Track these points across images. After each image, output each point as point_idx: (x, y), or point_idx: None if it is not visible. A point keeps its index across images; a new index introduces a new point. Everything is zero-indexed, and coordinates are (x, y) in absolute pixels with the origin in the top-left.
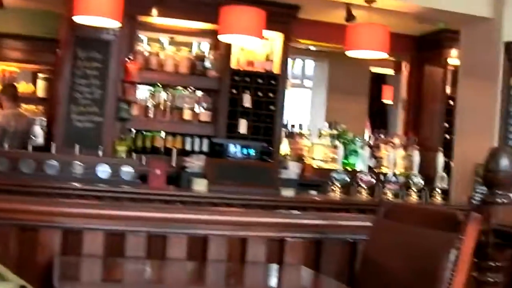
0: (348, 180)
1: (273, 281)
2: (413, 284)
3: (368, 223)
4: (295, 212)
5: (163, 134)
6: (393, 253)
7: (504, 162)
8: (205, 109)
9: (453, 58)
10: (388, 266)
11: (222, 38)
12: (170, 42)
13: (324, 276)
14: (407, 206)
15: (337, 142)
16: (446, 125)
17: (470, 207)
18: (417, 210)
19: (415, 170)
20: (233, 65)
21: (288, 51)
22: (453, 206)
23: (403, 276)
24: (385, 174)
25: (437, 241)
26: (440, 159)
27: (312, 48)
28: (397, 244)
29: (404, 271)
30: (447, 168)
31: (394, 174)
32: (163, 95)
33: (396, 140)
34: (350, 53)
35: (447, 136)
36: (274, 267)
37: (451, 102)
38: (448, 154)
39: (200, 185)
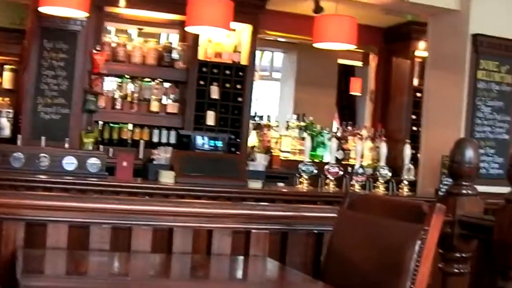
0: (316, 172)
1: (239, 273)
2: (378, 275)
3: (334, 215)
4: (260, 203)
5: (130, 126)
6: (358, 244)
7: (469, 153)
8: (172, 101)
9: (421, 50)
10: (353, 257)
11: (189, 29)
12: (138, 33)
13: (290, 268)
14: (372, 197)
15: (305, 134)
16: (414, 117)
17: (436, 199)
18: (382, 201)
19: (383, 161)
20: (201, 56)
21: (256, 43)
22: (420, 197)
23: (368, 267)
24: (352, 166)
25: (402, 232)
26: (407, 151)
27: (280, 39)
28: (362, 235)
29: (369, 262)
30: (414, 159)
31: (362, 166)
32: (130, 87)
33: (364, 132)
34: (317, 45)
35: (415, 128)
36: (240, 259)
37: (419, 94)
38: (415, 145)
39: (167, 177)
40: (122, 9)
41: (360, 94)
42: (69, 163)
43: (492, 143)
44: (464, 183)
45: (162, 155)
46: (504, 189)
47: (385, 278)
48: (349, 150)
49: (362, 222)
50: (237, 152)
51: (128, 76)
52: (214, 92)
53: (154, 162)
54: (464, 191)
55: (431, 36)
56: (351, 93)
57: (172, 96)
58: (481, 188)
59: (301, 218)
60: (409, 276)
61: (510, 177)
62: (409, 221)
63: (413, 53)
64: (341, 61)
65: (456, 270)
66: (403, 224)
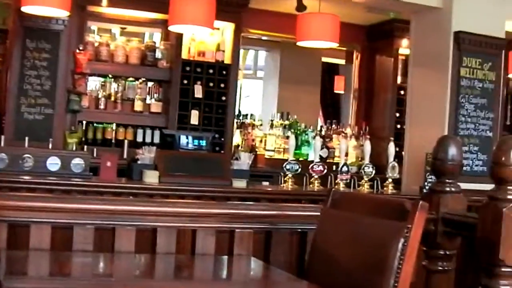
0: (300, 170)
1: (223, 272)
2: (361, 273)
3: (318, 213)
4: (244, 203)
5: (114, 125)
6: (342, 243)
7: (452, 151)
8: (156, 100)
9: (404, 48)
10: (336, 256)
11: (172, 28)
12: (121, 32)
13: (274, 267)
14: (355, 195)
15: (289, 133)
16: (397, 114)
17: (420, 196)
18: (365, 199)
19: (367, 159)
20: (184, 55)
21: (239, 41)
22: (404, 195)
23: (352, 265)
24: (337, 164)
25: (385, 230)
26: (392, 148)
27: (264, 38)
28: (345, 234)
29: (353, 261)
30: (398, 157)
31: (346, 164)
32: (113, 86)
33: (348, 130)
34: (301, 43)
35: (399, 126)
36: (224, 258)
37: (402, 92)
38: (399, 143)
39: (151, 177)
40: (105, 8)
41: (344, 92)
42: (53, 163)
43: (475, 140)
44: (447, 180)
45: (146, 155)
46: (488, 186)
47: (369, 276)
48: (334, 148)
49: (346, 220)
50: (221, 151)
51: (111, 76)
52: (198, 91)
53: (138, 162)
54: (447, 189)
55: (413, 33)
56: (335, 91)
57: (155, 95)
58: (464, 185)
59: (285, 217)
60: (393, 274)
61: (493, 174)
62: (392, 219)
63: (396, 51)
64: (324, 59)
65: (440, 268)
66: (386, 222)
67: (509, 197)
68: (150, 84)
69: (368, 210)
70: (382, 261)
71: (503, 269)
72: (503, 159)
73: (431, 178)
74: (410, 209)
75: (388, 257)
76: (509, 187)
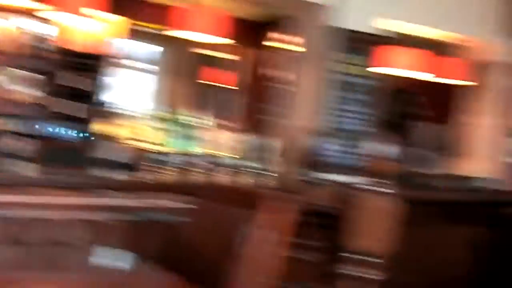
0: (178, 163)
1: (91, 263)
2: (216, 261)
3: (187, 205)
4: (114, 194)
5: None
6: (204, 233)
7: (322, 144)
8: (33, 91)
9: (286, 43)
10: (199, 246)
11: (55, 17)
12: (3, 21)
13: (141, 259)
14: (219, 186)
15: (168, 125)
16: (278, 108)
17: (290, 188)
18: (226, 189)
19: (246, 153)
20: (65, 45)
21: (123, 32)
22: (280, 187)
23: (210, 254)
24: (216, 157)
25: (234, 218)
26: (271, 142)
27: (148, 30)
28: (207, 224)
29: (210, 249)
30: (278, 150)
31: (227, 158)
32: None
33: (231, 124)
34: (176, 33)
35: (279, 120)
36: (93, 249)
37: (282, 86)
38: (278, 137)
39: (25, 169)
40: None
41: (228, 86)
42: None
43: (351, 134)
44: (314, 172)
45: (20, 146)
46: (357, 179)
47: (221, 263)
48: (214, 141)
49: (208, 210)
50: (94, 142)
51: None
52: (75, 82)
53: (11, 153)
54: (316, 181)
55: (297, 29)
56: (219, 84)
57: (33, 85)
58: (336, 177)
59: (155, 208)
60: (244, 260)
61: (361, 167)
62: (244, 207)
63: (277, 45)
64: (209, 52)
65: (303, 257)
66: (236, 210)
67: (368, 188)
68: (28, 74)
69: (226, 199)
70: (229, 247)
71: (348, 255)
72: (369, 153)
73: (302, 170)
74: (261, 198)
75: (234, 243)
76: (372, 180)
